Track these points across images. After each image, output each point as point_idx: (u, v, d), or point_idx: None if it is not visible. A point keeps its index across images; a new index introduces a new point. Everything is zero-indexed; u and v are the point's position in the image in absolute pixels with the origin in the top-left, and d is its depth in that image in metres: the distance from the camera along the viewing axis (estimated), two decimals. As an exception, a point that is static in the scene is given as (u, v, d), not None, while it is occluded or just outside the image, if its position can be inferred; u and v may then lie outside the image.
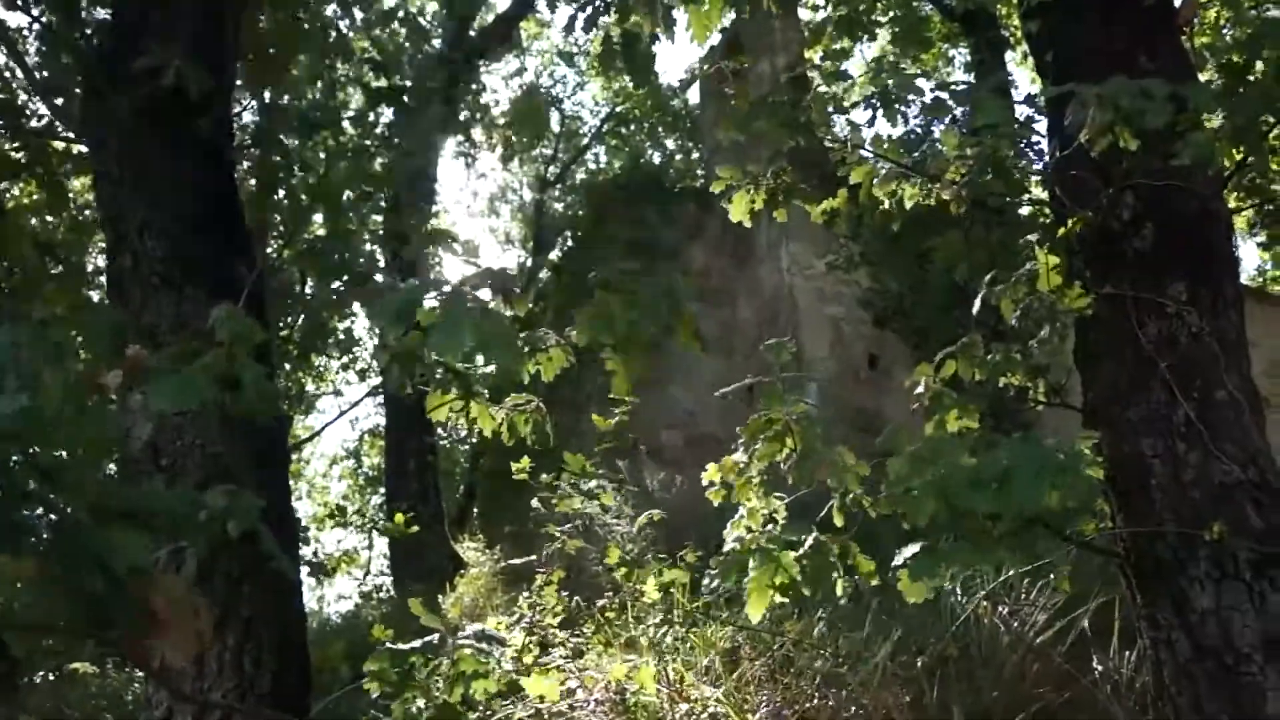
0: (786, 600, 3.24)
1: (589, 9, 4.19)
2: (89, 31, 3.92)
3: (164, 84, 2.84)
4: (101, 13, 4.42)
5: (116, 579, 1.38)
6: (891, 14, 12.67)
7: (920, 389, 3.72)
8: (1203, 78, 3.79)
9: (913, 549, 2.75)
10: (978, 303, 3.91)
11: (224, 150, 3.20)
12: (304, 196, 4.26)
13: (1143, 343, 3.21)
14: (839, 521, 3.33)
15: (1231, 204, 3.64)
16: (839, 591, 3.24)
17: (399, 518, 9.14)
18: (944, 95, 3.84)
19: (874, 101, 3.66)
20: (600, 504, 5.33)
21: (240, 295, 2.55)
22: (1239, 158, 3.46)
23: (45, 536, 1.38)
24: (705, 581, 3.86)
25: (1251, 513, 2.97)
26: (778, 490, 3.50)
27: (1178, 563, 2.99)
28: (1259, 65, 3.38)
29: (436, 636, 2.79)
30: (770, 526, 3.35)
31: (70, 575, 1.35)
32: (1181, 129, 2.96)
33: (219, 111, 3.14)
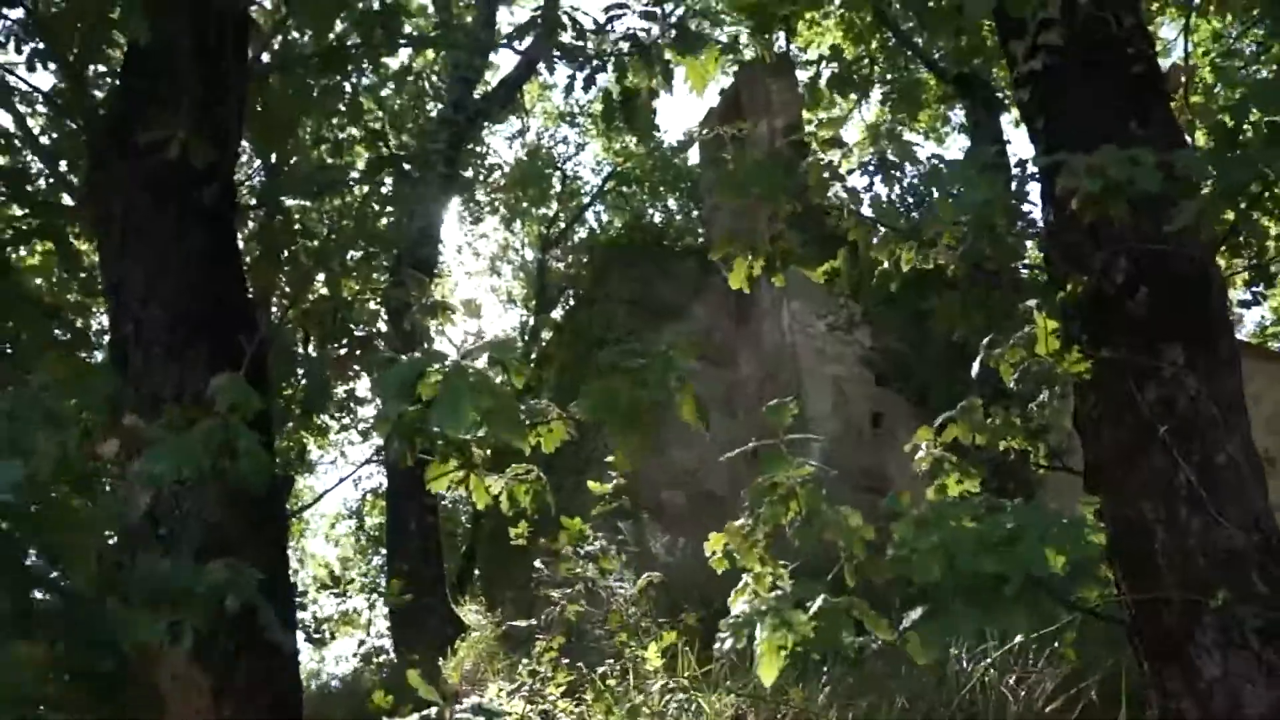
0: (792, 664, 3.19)
1: (587, 69, 4.28)
2: (95, 100, 3.99)
3: (169, 155, 2.90)
4: (107, 80, 4.51)
5: (124, 657, 1.38)
6: (887, 76, 12.90)
7: (921, 453, 3.72)
8: (1200, 137, 3.84)
9: (920, 611, 2.72)
10: (976, 365, 3.92)
11: (227, 218, 3.24)
12: (305, 259, 4.31)
13: (1141, 406, 3.21)
14: (850, 580, 3.29)
15: (1225, 264, 3.66)
16: (850, 652, 3.18)
17: (395, 583, 9.06)
18: (940, 163, 3.90)
19: (870, 168, 3.72)
20: (600, 568, 5.29)
21: (242, 363, 2.57)
22: (1231, 219, 3.49)
23: (55, 619, 1.38)
24: (716, 645, 3.78)
25: (1257, 579, 2.95)
26: (781, 556, 3.48)
27: (1184, 631, 2.96)
28: (1248, 128, 3.43)
29: (433, 710, 2.74)
30: (777, 592, 3.32)
31: (79, 656, 1.34)
32: (1173, 195, 3.00)
33: (223, 180, 3.18)
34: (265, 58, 4.30)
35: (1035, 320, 3.49)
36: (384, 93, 11.00)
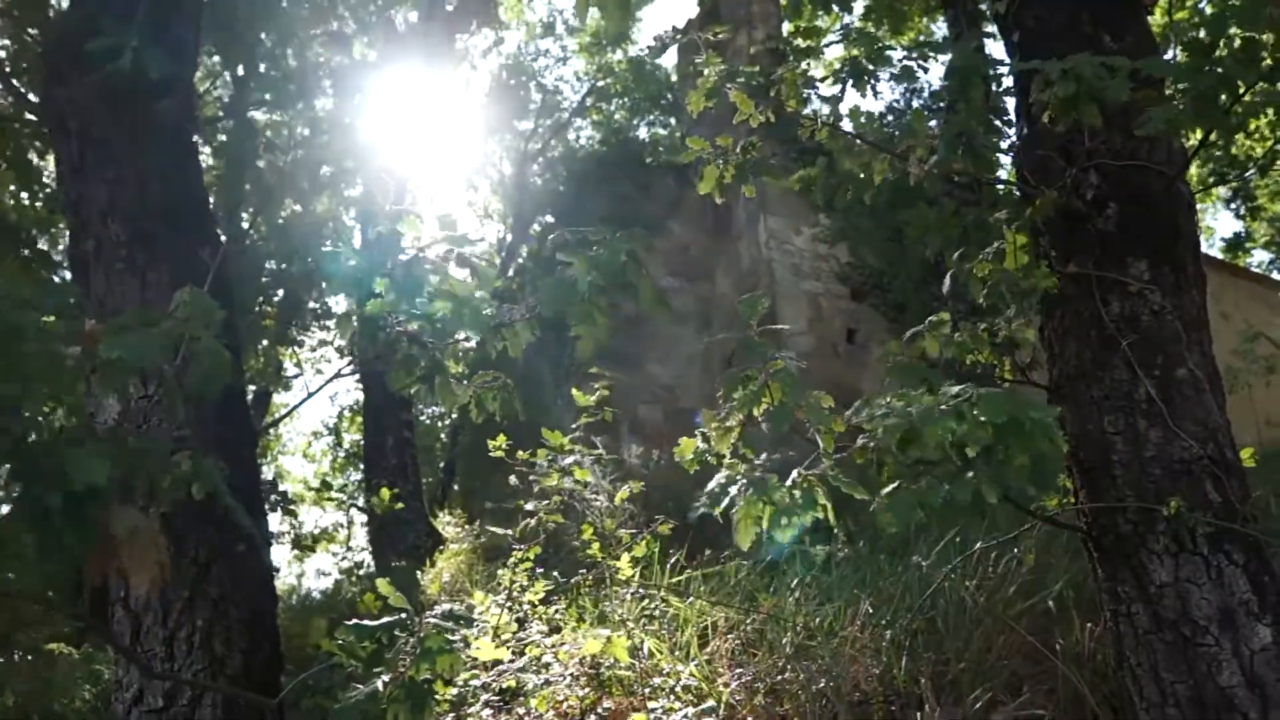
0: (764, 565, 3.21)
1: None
2: (53, 12, 3.85)
3: (121, 66, 2.81)
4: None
5: (75, 497, 1.39)
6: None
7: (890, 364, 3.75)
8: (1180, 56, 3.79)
9: (891, 488, 2.78)
10: (948, 280, 3.94)
11: (187, 134, 3.16)
12: (271, 175, 4.23)
13: (1106, 321, 3.25)
14: (827, 446, 3.31)
15: (1198, 184, 3.66)
16: (833, 519, 3.19)
17: (385, 493, 9.13)
18: (912, 64, 3.84)
19: (844, 74, 3.66)
20: (577, 479, 5.36)
21: (204, 279, 2.54)
22: (1200, 136, 3.48)
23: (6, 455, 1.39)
24: (691, 514, 3.76)
25: (1210, 489, 3.03)
26: (757, 457, 3.49)
27: (1138, 537, 3.05)
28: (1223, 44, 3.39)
29: (405, 615, 2.80)
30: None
31: (29, 492, 1.36)
32: (1144, 104, 2.98)
33: (181, 93, 3.10)
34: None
35: (1005, 235, 3.50)
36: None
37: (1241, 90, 3.16)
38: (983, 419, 2.42)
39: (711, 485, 3.29)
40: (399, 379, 2.69)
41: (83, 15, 3.06)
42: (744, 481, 3.09)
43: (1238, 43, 3.21)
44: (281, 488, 18.61)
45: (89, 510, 1.40)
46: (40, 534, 1.37)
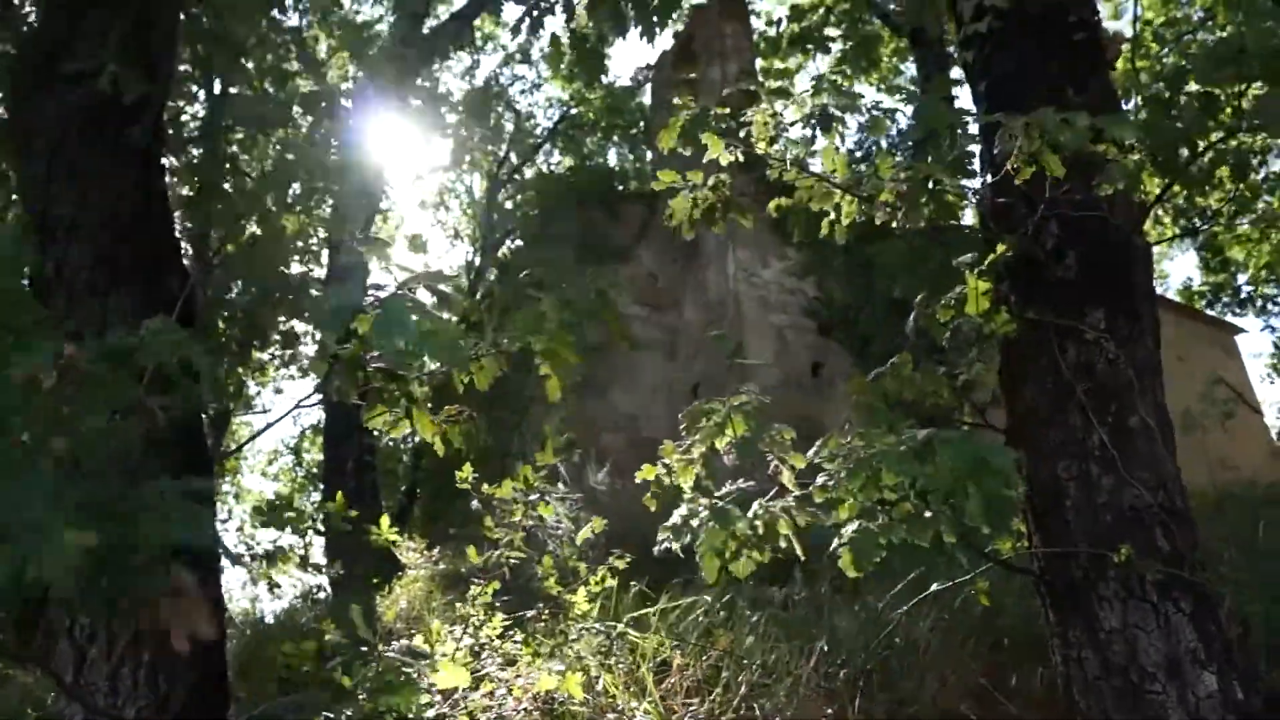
0: (743, 579, 3.22)
1: (535, 11, 4.17)
2: (23, 29, 3.81)
3: (98, 88, 2.78)
4: (35, 8, 4.29)
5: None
6: (843, 26, 12.85)
7: (853, 401, 3.79)
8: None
9: (851, 528, 2.80)
10: (911, 321, 3.99)
11: (157, 157, 3.14)
12: (238, 200, 4.21)
13: (1063, 368, 3.31)
14: (789, 482, 3.33)
15: (1155, 236, 3.76)
16: (797, 548, 3.21)
17: (339, 501, 9.00)
18: (880, 113, 3.93)
19: (813, 121, 3.73)
20: (540, 515, 5.33)
21: (172, 307, 2.52)
22: (1160, 189, 3.58)
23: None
24: (656, 549, 3.75)
25: (1160, 536, 3.08)
26: (718, 490, 3.50)
27: (1089, 583, 3.09)
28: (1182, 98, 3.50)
29: (364, 647, 2.78)
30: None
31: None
32: (1103, 158, 3.07)
33: (152, 116, 3.07)
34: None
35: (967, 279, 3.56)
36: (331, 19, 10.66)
37: (1200, 146, 3.27)
38: (947, 463, 2.45)
39: (674, 519, 3.30)
40: (374, 416, 2.67)
41: (56, 34, 3.03)
42: (706, 513, 3.11)
43: (1197, 98, 3.33)
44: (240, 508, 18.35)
45: (160, 565, 1.42)
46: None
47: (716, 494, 3.40)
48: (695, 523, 3.17)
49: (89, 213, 2.89)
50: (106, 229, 2.88)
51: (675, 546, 3.21)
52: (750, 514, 3.17)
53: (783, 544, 3.18)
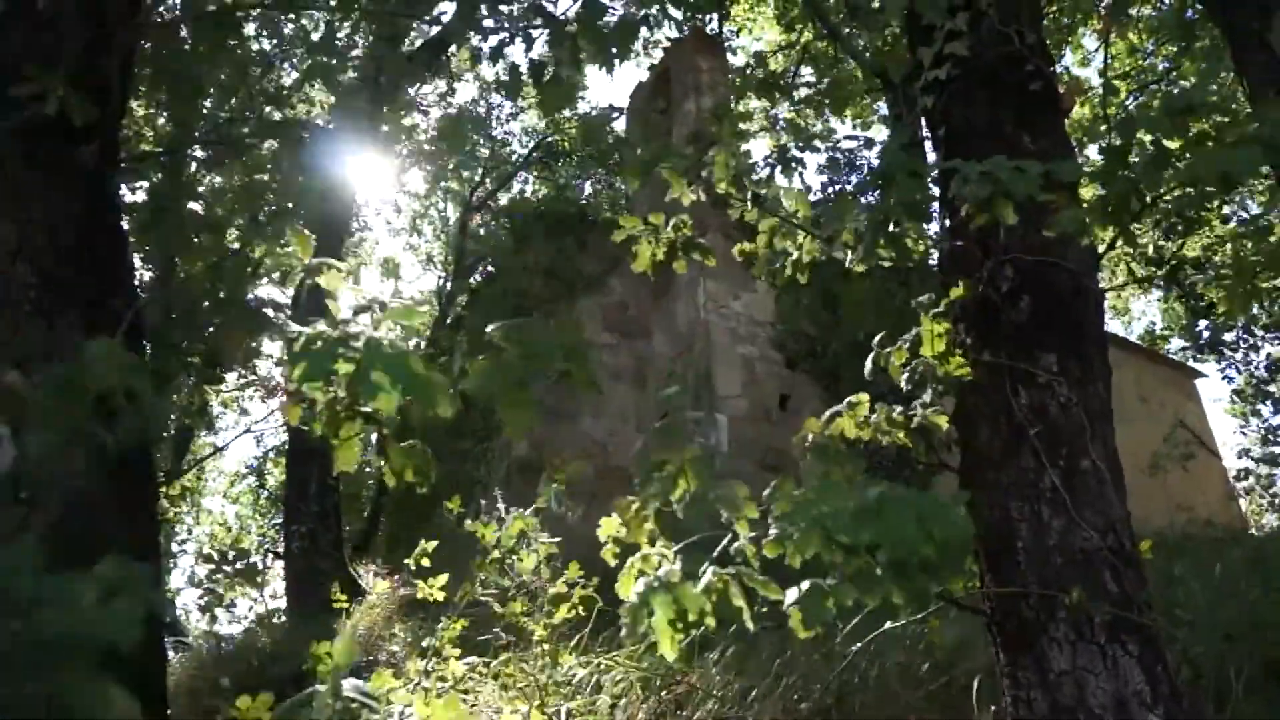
0: (696, 633, 3.21)
1: (496, 41, 4.17)
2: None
3: (46, 111, 2.77)
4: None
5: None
6: (818, 64, 13.04)
7: (808, 441, 3.81)
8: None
9: (802, 586, 2.80)
10: (869, 363, 4.03)
11: (107, 179, 3.12)
12: (192, 226, 4.19)
13: (1016, 411, 3.36)
14: (749, 552, 3.33)
15: (1106, 283, 3.83)
16: (749, 621, 3.21)
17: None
18: (839, 155, 3.99)
19: (773, 161, 3.78)
20: (515, 555, 5.27)
21: (115, 329, 2.49)
22: (1112, 236, 3.65)
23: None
24: (620, 627, 3.75)
25: (1109, 578, 3.12)
26: (674, 540, 3.51)
27: (1039, 624, 3.11)
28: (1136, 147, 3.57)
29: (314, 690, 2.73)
30: (665, 567, 3.34)
31: None
32: (1056, 205, 3.13)
33: (103, 138, 3.06)
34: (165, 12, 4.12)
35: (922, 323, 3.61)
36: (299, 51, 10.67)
37: (1149, 196, 3.33)
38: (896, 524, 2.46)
39: (631, 598, 3.29)
40: (348, 456, 2.63)
41: (3, 56, 3.01)
42: (655, 583, 3.09)
43: (1149, 148, 3.40)
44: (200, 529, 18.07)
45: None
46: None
47: (675, 547, 3.39)
48: (646, 592, 3.16)
49: (33, 233, 2.86)
50: (52, 252, 2.85)
51: (640, 630, 3.21)
52: (701, 585, 3.15)
53: (747, 621, 3.19)
